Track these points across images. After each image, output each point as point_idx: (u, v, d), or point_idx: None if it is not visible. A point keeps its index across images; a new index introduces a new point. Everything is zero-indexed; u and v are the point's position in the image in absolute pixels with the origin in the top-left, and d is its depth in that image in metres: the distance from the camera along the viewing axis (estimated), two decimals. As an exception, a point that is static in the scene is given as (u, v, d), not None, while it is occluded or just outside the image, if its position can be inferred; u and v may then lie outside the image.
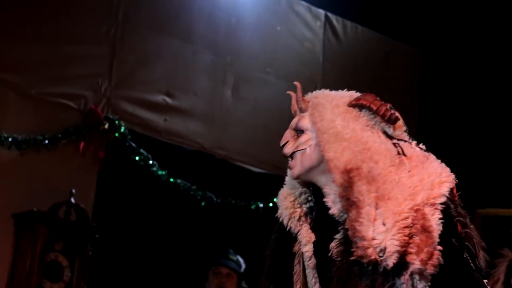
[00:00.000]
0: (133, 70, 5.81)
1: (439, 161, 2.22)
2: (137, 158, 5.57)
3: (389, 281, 2.06)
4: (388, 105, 2.28)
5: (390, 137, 2.26)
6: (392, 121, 2.26)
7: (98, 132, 5.45)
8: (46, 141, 5.26)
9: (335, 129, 2.21)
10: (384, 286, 2.06)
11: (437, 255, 2.03)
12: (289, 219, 2.34)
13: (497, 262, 5.32)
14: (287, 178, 2.40)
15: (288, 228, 2.34)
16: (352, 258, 2.07)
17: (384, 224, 2.05)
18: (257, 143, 6.18)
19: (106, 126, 5.47)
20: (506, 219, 6.08)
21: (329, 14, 6.90)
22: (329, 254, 2.15)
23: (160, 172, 5.65)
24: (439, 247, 2.04)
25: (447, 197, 2.12)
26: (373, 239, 2.04)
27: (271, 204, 5.96)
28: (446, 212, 2.10)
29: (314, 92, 2.37)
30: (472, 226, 2.18)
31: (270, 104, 6.27)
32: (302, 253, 2.32)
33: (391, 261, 2.03)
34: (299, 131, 2.32)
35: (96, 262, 5.21)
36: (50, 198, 5.06)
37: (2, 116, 5.21)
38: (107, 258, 5.40)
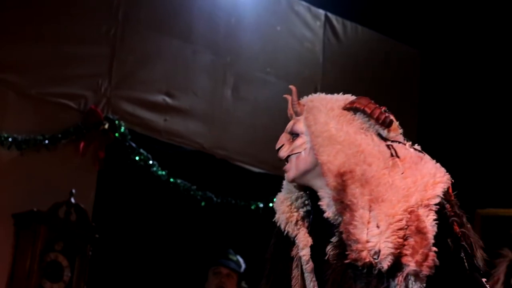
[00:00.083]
0: (133, 70, 5.81)
1: (434, 161, 2.23)
2: (137, 158, 5.57)
3: (383, 283, 2.06)
4: (383, 108, 2.29)
5: (384, 139, 2.26)
6: (386, 124, 2.27)
7: (98, 132, 5.45)
8: (46, 141, 5.26)
9: (329, 133, 2.22)
10: None
11: (432, 256, 2.04)
12: (286, 223, 2.35)
13: (497, 262, 5.33)
14: (284, 182, 2.41)
15: (285, 232, 2.34)
16: (346, 261, 2.07)
17: (378, 227, 2.06)
18: (257, 143, 6.18)
19: (106, 126, 5.47)
20: (506, 219, 6.08)
21: (329, 14, 6.90)
22: (326, 258, 2.15)
23: (160, 172, 5.65)
24: (434, 248, 2.04)
25: (441, 197, 2.12)
26: (367, 241, 2.05)
27: (271, 204, 5.96)
28: (441, 213, 2.11)
29: (309, 96, 2.38)
30: (469, 226, 2.19)
31: (270, 104, 6.27)
32: (300, 257, 2.33)
33: (385, 264, 2.04)
34: (294, 135, 2.33)
35: (96, 262, 5.21)
36: (50, 198, 5.06)
37: (2, 116, 5.21)
38: (107, 258, 5.40)
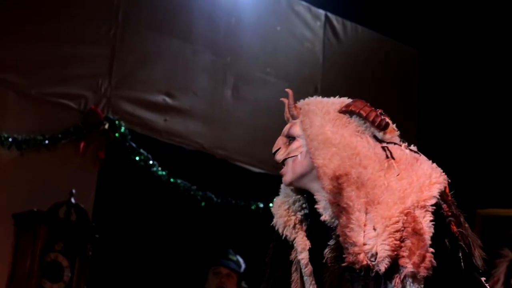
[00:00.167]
0: (133, 70, 5.81)
1: (430, 161, 2.23)
2: (137, 158, 5.57)
3: (381, 285, 2.07)
4: (379, 111, 2.29)
5: (380, 140, 2.26)
6: (382, 127, 2.27)
7: (98, 132, 5.45)
8: (46, 141, 5.26)
9: (324, 136, 2.22)
10: None
11: (429, 258, 2.04)
12: (284, 227, 2.35)
13: (497, 262, 5.33)
14: (281, 186, 2.42)
15: (283, 236, 2.35)
16: (344, 264, 2.08)
17: (374, 229, 2.07)
18: (257, 143, 6.18)
19: (106, 126, 5.47)
20: (506, 219, 6.08)
21: (329, 14, 6.90)
22: (323, 261, 2.16)
23: (160, 172, 5.65)
24: (431, 249, 2.05)
25: (438, 198, 2.12)
26: (364, 244, 2.05)
27: (271, 204, 5.95)
28: (438, 213, 2.11)
29: (306, 99, 2.38)
30: (466, 225, 2.18)
31: (270, 104, 6.26)
32: (299, 261, 2.33)
33: (382, 266, 2.05)
34: (290, 138, 2.34)
35: (96, 262, 5.21)
36: (50, 198, 5.06)
37: (2, 116, 5.21)
38: (107, 258, 5.40)
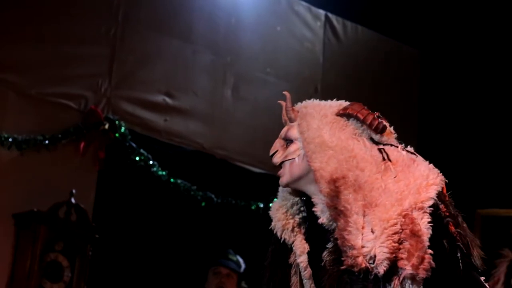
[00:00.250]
0: (133, 70, 5.81)
1: (427, 162, 2.23)
2: (137, 158, 5.57)
3: (380, 287, 2.06)
4: (376, 114, 2.29)
5: (376, 142, 2.26)
6: (379, 131, 2.27)
7: (98, 132, 5.45)
8: (46, 141, 5.26)
9: (321, 138, 2.22)
10: None
11: (428, 259, 2.04)
12: (283, 230, 2.35)
13: (497, 262, 5.33)
14: (279, 189, 2.42)
15: (282, 239, 2.35)
16: (342, 267, 2.08)
17: (372, 232, 2.07)
18: (257, 143, 6.17)
19: (106, 126, 5.47)
20: (506, 219, 6.08)
21: (329, 14, 6.90)
22: (322, 264, 2.16)
23: (160, 172, 5.65)
24: (430, 251, 2.05)
25: (435, 199, 2.12)
26: (363, 247, 2.06)
27: (271, 205, 5.95)
28: (435, 214, 2.11)
29: (304, 102, 2.38)
30: (465, 225, 2.18)
31: (270, 104, 6.26)
32: (298, 264, 2.33)
33: (381, 269, 2.05)
34: (288, 141, 2.34)
35: (96, 262, 5.21)
36: (50, 198, 5.06)
37: (2, 116, 5.21)
38: (107, 258, 5.40)
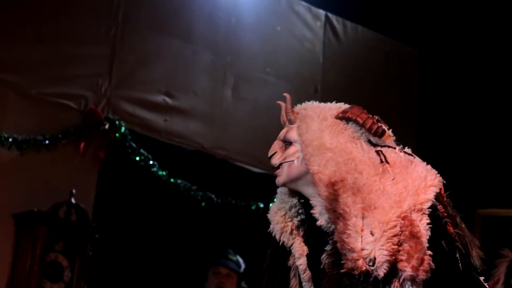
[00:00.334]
0: (133, 70, 5.81)
1: (425, 163, 2.23)
2: (137, 158, 5.57)
3: None
4: (375, 118, 2.29)
5: (374, 144, 2.26)
6: (379, 135, 2.27)
7: (98, 132, 5.45)
8: (46, 141, 5.26)
9: (320, 141, 2.22)
10: None
11: (427, 260, 2.04)
12: (281, 233, 2.35)
13: (497, 262, 5.33)
14: (278, 191, 2.42)
15: (281, 242, 2.35)
16: (342, 270, 2.07)
17: (372, 234, 2.07)
18: (257, 143, 6.17)
19: (106, 126, 5.47)
20: (506, 219, 6.08)
21: (329, 14, 6.90)
22: (321, 266, 2.16)
23: (160, 172, 5.65)
24: (429, 252, 2.05)
25: (433, 200, 2.12)
26: (362, 250, 2.06)
27: (271, 205, 5.95)
28: (434, 215, 2.11)
29: (303, 104, 2.38)
30: (463, 225, 2.18)
31: (270, 104, 6.24)
32: (297, 267, 2.33)
33: (381, 271, 2.05)
34: (287, 143, 2.33)
35: (96, 262, 5.21)
36: (50, 198, 5.06)
37: (2, 116, 5.21)
38: (107, 258, 5.40)
